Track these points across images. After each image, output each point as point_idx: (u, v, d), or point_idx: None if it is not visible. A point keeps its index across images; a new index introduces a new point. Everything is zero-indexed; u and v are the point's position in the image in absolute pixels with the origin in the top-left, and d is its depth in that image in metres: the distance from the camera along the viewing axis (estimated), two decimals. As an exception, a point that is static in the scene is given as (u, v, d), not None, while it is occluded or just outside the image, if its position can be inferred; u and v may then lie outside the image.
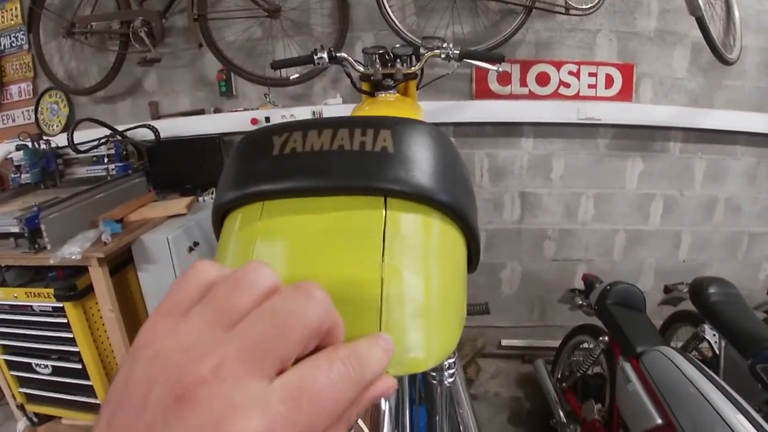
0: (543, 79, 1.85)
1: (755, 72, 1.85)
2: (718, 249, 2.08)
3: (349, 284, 0.27)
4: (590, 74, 1.85)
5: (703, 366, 1.19)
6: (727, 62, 1.72)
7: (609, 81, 1.86)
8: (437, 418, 0.60)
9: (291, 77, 1.70)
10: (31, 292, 1.59)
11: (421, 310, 0.27)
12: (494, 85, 1.86)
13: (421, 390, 0.79)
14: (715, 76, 1.85)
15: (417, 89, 1.31)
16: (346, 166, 0.30)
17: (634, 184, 1.99)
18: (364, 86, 1.24)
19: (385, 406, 0.43)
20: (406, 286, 0.28)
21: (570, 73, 1.85)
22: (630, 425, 1.27)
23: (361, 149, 0.31)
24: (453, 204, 0.32)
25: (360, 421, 0.37)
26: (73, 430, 1.79)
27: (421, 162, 0.32)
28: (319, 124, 0.32)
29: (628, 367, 1.32)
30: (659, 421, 1.15)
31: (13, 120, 2.33)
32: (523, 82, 1.85)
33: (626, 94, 1.87)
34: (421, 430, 0.74)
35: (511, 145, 1.95)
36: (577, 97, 1.87)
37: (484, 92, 1.87)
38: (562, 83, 1.85)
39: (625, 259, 2.08)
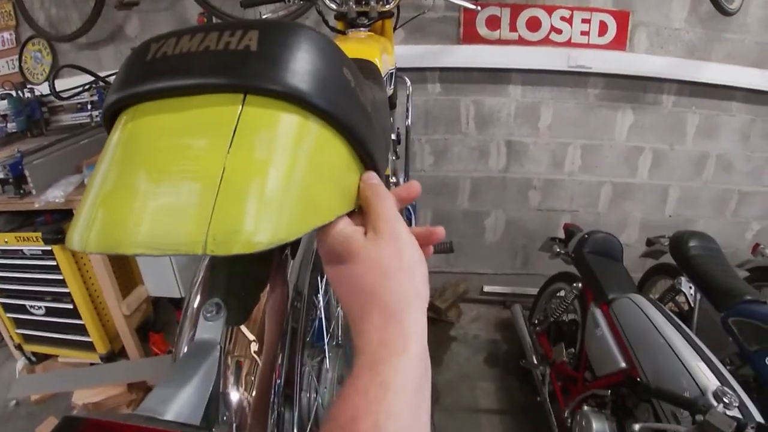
0: (534, 24, 1.78)
1: (757, 26, 1.76)
2: (706, 206, 2.07)
3: (196, 174, 0.28)
4: (583, 20, 1.77)
5: (670, 314, 1.21)
6: (727, 12, 1.63)
7: (603, 28, 1.78)
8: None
9: (263, 17, 1.65)
10: (20, 237, 1.63)
11: (258, 198, 0.28)
12: (483, 30, 1.80)
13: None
14: (714, 28, 1.76)
15: (394, 29, 1.27)
16: (206, 65, 0.30)
17: (623, 136, 1.95)
18: (339, 26, 1.21)
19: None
20: (252, 174, 0.28)
21: (562, 18, 1.77)
22: (596, 368, 1.30)
23: (225, 48, 0.31)
24: (324, 107, 0.32)
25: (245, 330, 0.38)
26: (68, 366, 1.87)
27: (288, 62, 0.31)
28: (194, 29, 0.32)
29: (598, 313, 1.35)
30: (623, 364, 1.18)
31: (-2, 70, 2.30)
32: (513, 27, 1.79)
33: (620, 42, 1.80)
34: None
35: (498, 92, 1.91)
36: (568, 44, 1.80)
37: (471, 37, 1.81)
38: (553, 29, 1.79)
39: (610, 211, 2.08)
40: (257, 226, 0.27)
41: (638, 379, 1.10)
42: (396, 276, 0.32)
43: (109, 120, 0.35)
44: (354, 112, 0.36)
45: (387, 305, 0.31)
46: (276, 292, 0.40)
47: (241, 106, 0.30)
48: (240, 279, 0.38)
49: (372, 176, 0.39)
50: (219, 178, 0.27)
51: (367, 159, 0.38)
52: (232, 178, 0.28)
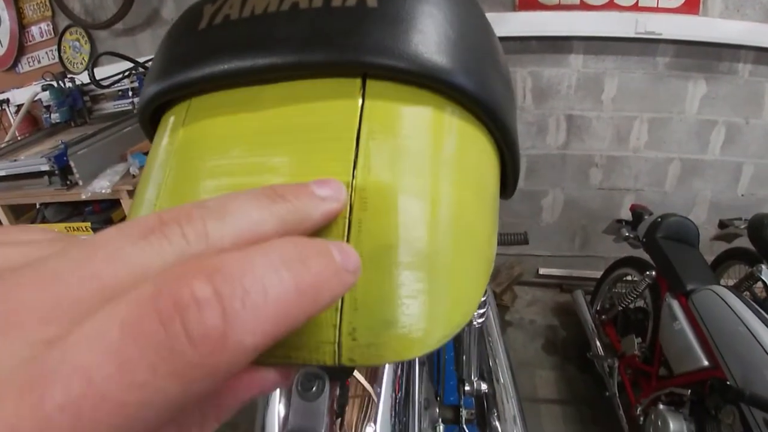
0: (597, -14, 1.62)
1: None
2: (783, 185, 1.88)
3: None
4: (653, -20, 1.60)
5: (759, 309, 1.11)
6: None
7: (674, -11, 1.61)
8: (464, 357, 0.55)
9: None
10: (70, 227, 1.64)
11: (417, 256, 0.16)
12: (540, -6, 1.65)
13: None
14: (797, -11, 1.56)
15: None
16: (300, 32, 0.19)
17: (694, 109, 1.78)
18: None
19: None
20: (392, 215, 0.17)
21: (629, -22, 1.60)
22: (673, 364, 1.21)
23: (325, 4, 0.20)
24: (476, 91, 0.20)
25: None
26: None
27: (422, 23, 0.20)
28: None
29: (675, 305, 1.25)
30: (705, 363, 1.09)
31: (38, 61, 2.31)
32: (574, -10, 1.63)
33: (693, 6, 1.61)
34: (449, 362, 0.70)
35: (558, 62, 1.76)
36: (635, 8, 1.63)
37: (528, 2, 1.66)
38: (619, -9, 1.62)
39: (678, 190, 1.92)
40: (422, 312, 0.15)
41: (728, 383, 1.00)
42: None
43: (150, 120, 0.24)
44: (505, 95, 0.24)
45: None
46: None
47: (361, 99, 0.19)
48: None
49: None
50: (345, 222, 0.16)
51: (508, 155, 0.25)
52: (367, 224, 0.16)
